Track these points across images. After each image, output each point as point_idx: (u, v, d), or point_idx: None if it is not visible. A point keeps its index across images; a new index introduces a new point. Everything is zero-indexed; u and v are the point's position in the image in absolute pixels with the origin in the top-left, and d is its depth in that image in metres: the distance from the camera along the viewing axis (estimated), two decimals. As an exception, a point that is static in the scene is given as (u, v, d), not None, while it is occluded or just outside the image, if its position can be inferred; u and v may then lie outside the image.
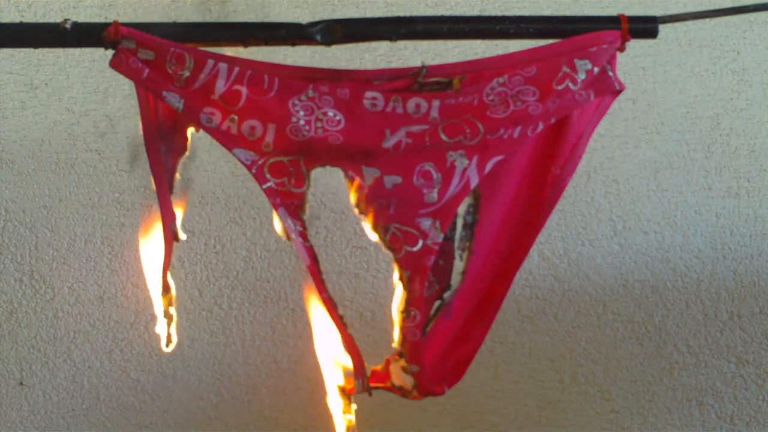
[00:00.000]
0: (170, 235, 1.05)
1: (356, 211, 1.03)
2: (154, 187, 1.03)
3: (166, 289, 1.06)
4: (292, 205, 1.02)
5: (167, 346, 1.07)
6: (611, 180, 1.54)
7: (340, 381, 1.10)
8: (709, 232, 1.56)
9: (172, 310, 1.07)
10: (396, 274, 1.04)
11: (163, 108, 1.02)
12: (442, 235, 1.02)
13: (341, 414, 1.10)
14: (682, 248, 1.56)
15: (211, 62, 0.99)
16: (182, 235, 1.07)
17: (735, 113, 1.54)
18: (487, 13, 1.48)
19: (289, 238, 1.03)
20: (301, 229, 1.03)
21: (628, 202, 1.55)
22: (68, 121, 1.52)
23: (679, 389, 1.59)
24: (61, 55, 1.50)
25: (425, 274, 1.03)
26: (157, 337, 1.08)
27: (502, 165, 1.03)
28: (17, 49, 1.45)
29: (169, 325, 1.07)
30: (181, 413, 1.59)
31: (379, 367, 1.11)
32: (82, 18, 1.41)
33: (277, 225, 1.04)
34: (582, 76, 1.01)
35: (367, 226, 1.03)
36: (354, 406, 1.10)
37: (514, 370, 1.59)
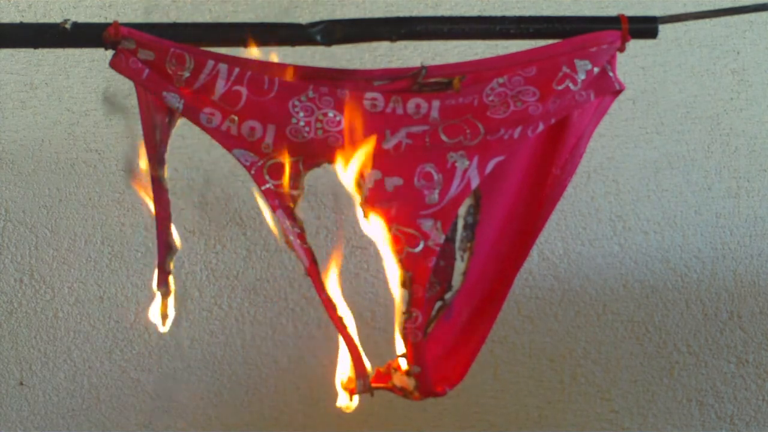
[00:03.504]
0: (164, 245, 1.04)
1: (361, 212, 1.03)
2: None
3: (167, 291, 1.05)
4: (290, 207, 1.02)
5: (163, 325, 1.07)
6: (611, 180, 1.54)
7: (343, 381, 1.10)
8: (709, 232, 1.56)
9: (171, 311, 1.07)
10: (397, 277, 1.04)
11: (161, 107, 1.01)
12: (443, 236, 1.02)
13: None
14: (682, 248, 1.56)
15: (211, 63, 0.98)
16: (178, 243, 1.06)
17: (735, 113, 1.54)
18: (487, 13, 1.47)
19: (287, 239, 1.03)
20: (299, 230, 1.03)
21: (628, 202, 1.55)
22: (68, 121, 1.52)
23: (679, 389, 1.59)
24: (61, 55, 1.50)
25: (426, 276, 1.03)
26: (157, 337, 1.08)
27: (503, 165, 1.03)
28: (17, 49, 1.45)
29: (165, 323, 1.06)
30: (181, 413, 1.59)
31: (382, 369, 1.11)
32: (82, 18, 1.40)
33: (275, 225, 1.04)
34: (582, 76, 1.01)
35: (368, 226, 1.03)
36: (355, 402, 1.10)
37: (514, 370, 1.59)
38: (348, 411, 1.10)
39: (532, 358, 1.59)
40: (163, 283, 1.05)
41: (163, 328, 1.07)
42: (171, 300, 1.06)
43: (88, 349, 1.57)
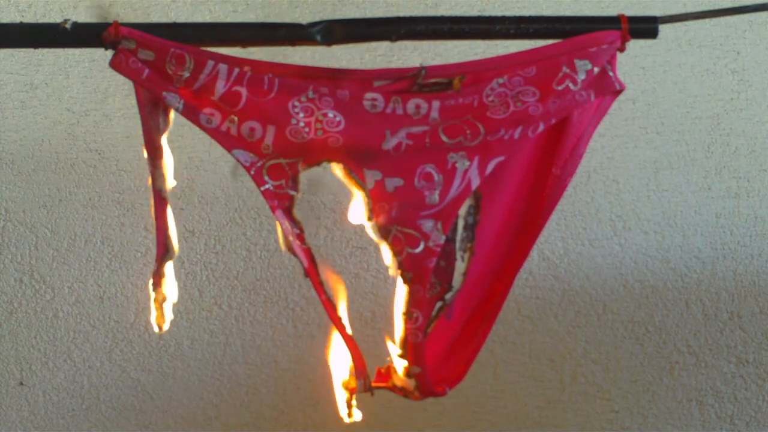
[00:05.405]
0: (163, 247, 1.04)
1: (366, 214, 1.03)
2: (151, 193, 1.03)
3: (163, 293, 1.05)
4: (289, 208, 1.02)
5: (159, 330, 1.07)
6: (611, 180, 1.54)
7: (343, 381, 1.10)
8: (709, 232, 1.56)
9: (167, 305, 1.06)
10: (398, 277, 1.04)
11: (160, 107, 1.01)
12: (443, 237, 1.02)
13: (345, 414, 1.10)
14: (682, 248, 1.56)
15: (211, 63, 0.98)
16: (175, 247, 1.06)
17: (735, 113, 1.54)
18: (487, 13, 1.48)
19: (287, 240, 1.03)
20: (298, 231, 1.03)
21: (628, 202, 1.55)
22: (68, 121, 1.52)
23: (679, 389, 1.59)
24: (61, 55, 1.50)
25: (427, 276, 1.03)
26: (157, 337, 1.08)
27: (503, 166, 1.03)
28: (17, 49, 1.45)
29: (161, 318, 1.06)
30: (181, 413, 1.59)
31: (382, 369, 1.11)
32: (82, 18, 1.41)
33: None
34: (582, 76, 1.01)
35: (370, 227, 1.03)
36: (354, 404, 1.10)
37: (514, 370, 1.59)
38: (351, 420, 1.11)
39: (532, 358, 1.59)
40: (159, 285, 1.05)
41: (158, 330, 1.07)
42: (168, 302, 1.06)
43: (88, 349, 1.57)
